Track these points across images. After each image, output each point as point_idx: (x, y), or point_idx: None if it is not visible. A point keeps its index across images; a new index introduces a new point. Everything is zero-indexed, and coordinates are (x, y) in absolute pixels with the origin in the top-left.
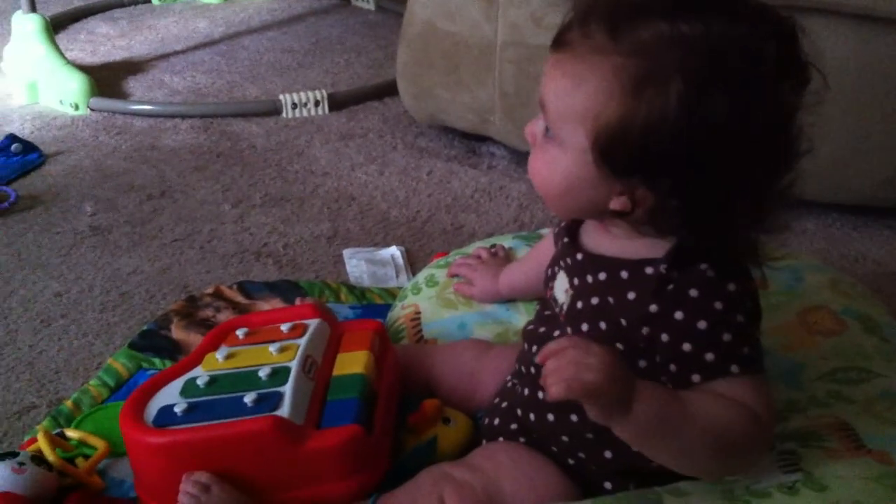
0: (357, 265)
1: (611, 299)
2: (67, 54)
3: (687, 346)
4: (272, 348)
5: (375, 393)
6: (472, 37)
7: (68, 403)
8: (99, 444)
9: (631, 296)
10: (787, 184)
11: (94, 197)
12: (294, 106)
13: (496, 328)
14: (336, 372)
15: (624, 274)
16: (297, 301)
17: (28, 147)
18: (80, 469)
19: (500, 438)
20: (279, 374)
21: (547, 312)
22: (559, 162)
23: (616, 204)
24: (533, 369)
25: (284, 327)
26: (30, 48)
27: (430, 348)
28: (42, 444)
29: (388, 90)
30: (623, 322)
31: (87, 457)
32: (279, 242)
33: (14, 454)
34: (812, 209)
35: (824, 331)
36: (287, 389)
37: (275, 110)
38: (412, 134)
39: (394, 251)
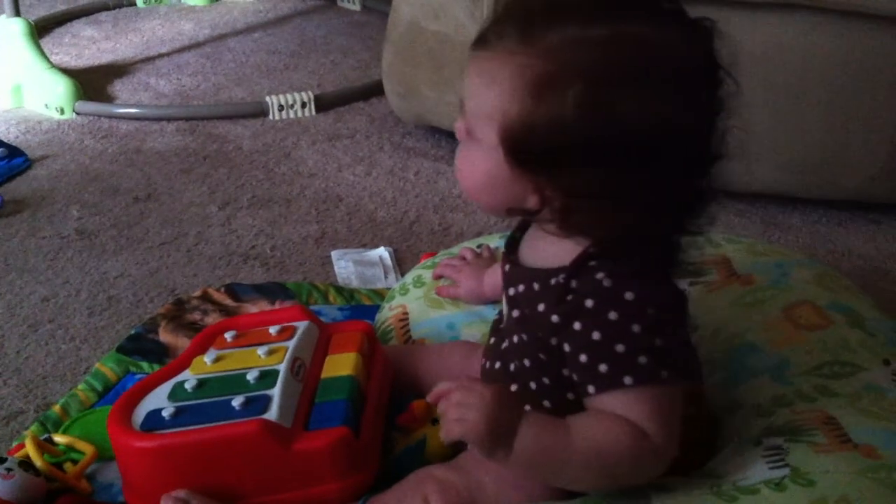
0: (345, 266)
1: (527, 311)
2: (52, 58)
3: (583, 358)
4: (260, 351)
5: (364, 395)
6: (457, 36)
7: (56, 408)
8: (87, 448)
9: (541, 307)
10: (702, 186)
11: (81, 201)
12: (280, 107)
13: (484, 327)
14: (325, 374)
15: (536, 286)
16: (277, 304)
17: (13, 151)
18: (68, 474)
19: None
20: (267, 377)
21: (500, 325)
22: (477, 159)
23: (530, 203)
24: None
25: (273, 330)
26: (14, 52)
27: (419, 349)
28: (30, 449)
29: (374, 91)
30: (539, 333)
31: (75, 462)
32: (267, 244)
33: (2, 460)
34: (798, 205)
35: (810, 325)
36: (275, 392)
37: (261, 112)
38: (399, 134)
39: (382, 252)
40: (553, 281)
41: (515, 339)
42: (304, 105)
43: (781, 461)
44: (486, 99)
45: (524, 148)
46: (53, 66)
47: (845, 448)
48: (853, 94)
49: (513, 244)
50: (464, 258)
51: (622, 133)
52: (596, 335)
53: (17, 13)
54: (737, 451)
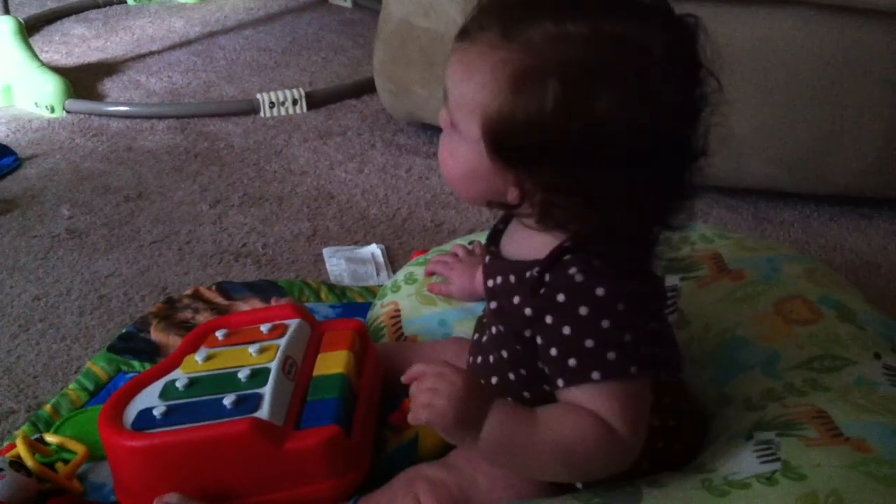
0: (337, 264)
1: (504, 303)
2: (42, 56)
3: (554, 351)
4: (252, 349)
5: (356, 393)
6: (447, 33)
7: (47, 408)
8: (78, 448)
9: (516, 300)
10: (683, 182)
11: (71, 199)
12: (272, 105)
13: None
14: (316, 372)
15: (512, 278)
16: (273, 302)
17: (3, 150)
18: (59, 474)
19: None
20: (259, 376)
21: (484, 319)
22: (459, 150)
23: (510, 196)
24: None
25: (264, 328)
26: (4, 51)
27: (411, 346)
28: (21, 449)
29: (366, 88)
30: (514, 325)
31: (66, 461)
32: (258, 242)
33: None
34: (790, 200)
35: (800, 320)
36: (267, 391)
37: (252, 109)
38: (391, 131)
39: (374, 249)
40: (528, 274)
41: (494, 330)
42: (295, 102)
43: (773, 455)
44: (467, 92)
45: (506, 143)
46: (43, 64)
47: (836, 442)
48: (843, 89)
49: (495, 236)
50: (456, 255)
51: (601, 130)
52: (566, 329)
53: (7, 11)
54: (728, 445)
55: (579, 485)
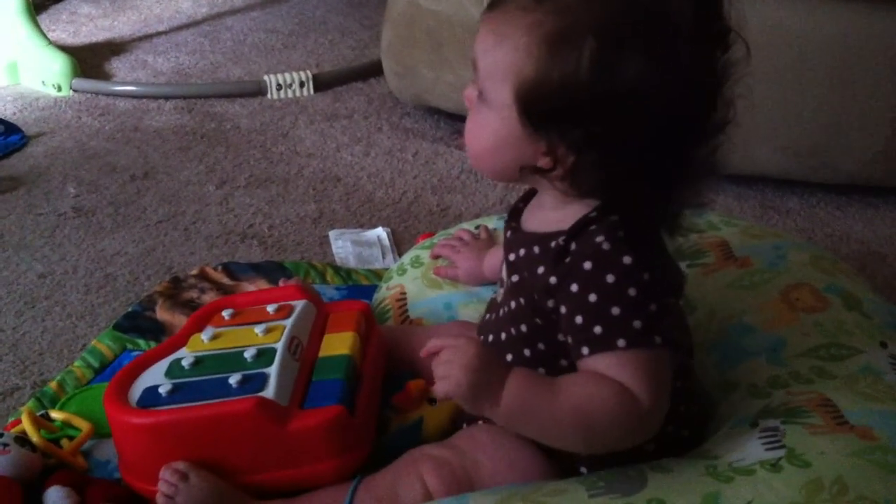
0: (343, 246)
1: (527, 274)
2: (49, 35)
3: (579, 319)
4: (258, 329)
5: (360, 374)
6: (455, 15)
7: (52, 385)
8: (83, 425)
9: (540, 270)
10: (707, 153)
11: (78, 178)
12: (279, 87)
13: (481, 308)
14: (322, 353)
15: (536, 249)
16: (281, 283)
17: (10, 128)
18: (64, 450)
19: (481, 422)
20: (265, 356)
21: (497, 299)
22: (488, 121)
23: (542, 163)
24: None
25: (270, 308)
26: (11, 28)
27: (416, 329)
28: (26, 425)
29: (373, 71)
30: (535, 296)
31: (71, 438)
32: (264, 223)
33: None
34: (796, 189)
35: (806, 307)
36: (272, 371)
37: (259, 91)
38: (398, 115)
39: (380, 232)
40: (553, 244)
41: (513, 304)
42: (302, 84)
43: (778, 442)
44: (500, 57)
45: (540, 105)
46: (51, 42)
47: (841, 430)
48: (852, 77)
49: (515, 212)
50: (461, 239)
51: (632, 91)
52: (592, 297)
53: None
54: (732, 431)
55: (583, 469)
